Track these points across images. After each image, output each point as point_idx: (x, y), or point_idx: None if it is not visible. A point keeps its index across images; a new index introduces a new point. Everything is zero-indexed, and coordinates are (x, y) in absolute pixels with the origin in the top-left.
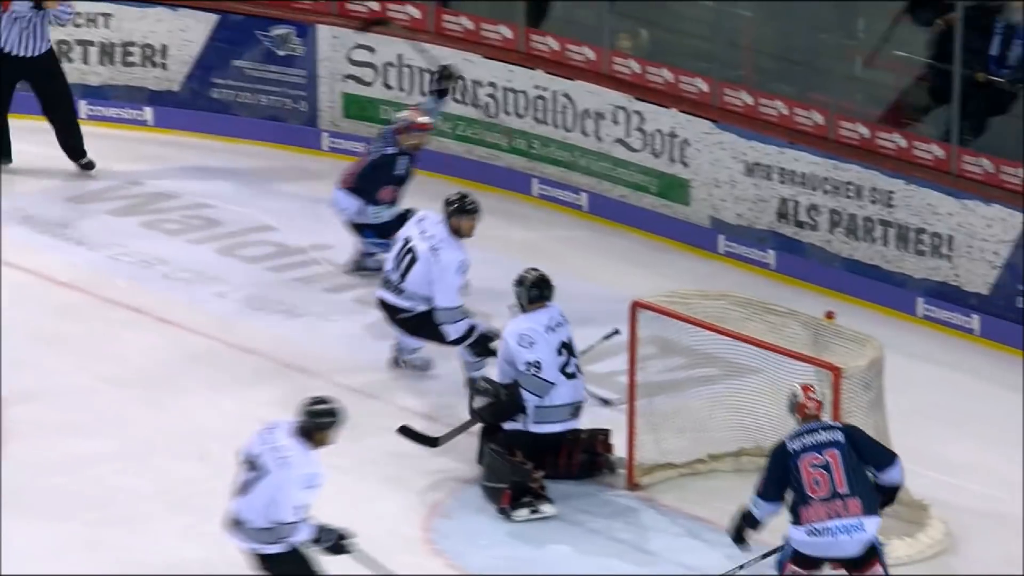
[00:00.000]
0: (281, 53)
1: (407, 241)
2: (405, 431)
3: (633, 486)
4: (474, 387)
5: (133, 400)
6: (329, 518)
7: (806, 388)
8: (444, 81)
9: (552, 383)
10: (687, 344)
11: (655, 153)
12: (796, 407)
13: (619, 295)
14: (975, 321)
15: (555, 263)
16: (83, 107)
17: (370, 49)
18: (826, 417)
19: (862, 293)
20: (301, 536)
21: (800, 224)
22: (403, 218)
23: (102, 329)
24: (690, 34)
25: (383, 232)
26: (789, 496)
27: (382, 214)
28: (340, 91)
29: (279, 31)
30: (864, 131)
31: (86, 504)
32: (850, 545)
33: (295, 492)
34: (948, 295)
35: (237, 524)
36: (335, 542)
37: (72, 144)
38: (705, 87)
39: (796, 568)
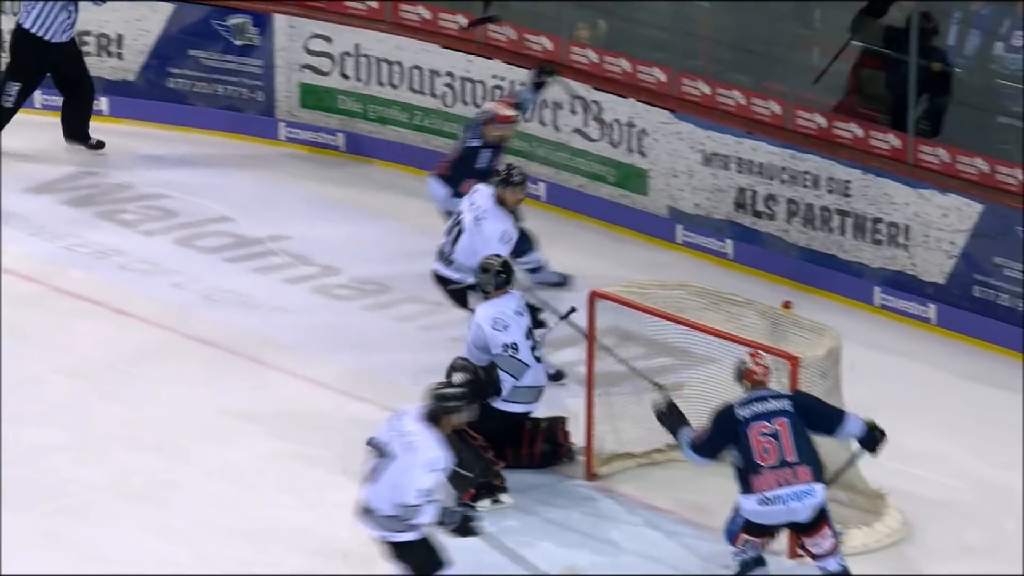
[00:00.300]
0: (238, 43)
1: (459, 213)
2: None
3: (591, 476)
4: (452, 365)
5: (89, 391)
6: (289, 508)
7: (754, 354)
8: (543, 75)
9: (528, 364)
10: (645, 334)
11: (613, 143)
12: (744, 374)
13: (577, 285)
14: (931, 310)
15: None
16: (38, 97)
17: (327, 39)
18: (774, 384)
19: (819, 282)
20: (425, 519)
21: (758, 214)
22: None
23: (58, 320)
24: (648, 24)
25: None
26: (733, 456)
27: None
28: (297, 81)
29: (236, 21)
30: (821, 121)
31: (43, 495)
32: (802, 511)
33: (419, 475)
34: (905, 284)
35: (366, 512)
36: (460, 524)
37: (84, 129)
38: (663, 77)
39: (749, 537)
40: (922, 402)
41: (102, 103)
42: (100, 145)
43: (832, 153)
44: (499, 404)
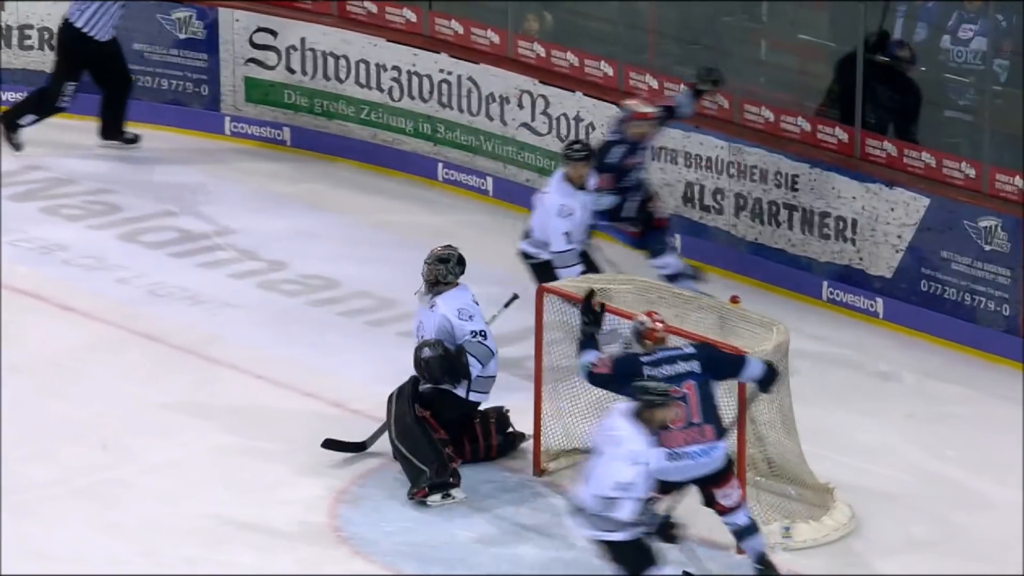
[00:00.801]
0: (182, 36)
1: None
2: (330, 444)
3: (540, 472)
4: (423, 343)
5: (35, 387)
6: (237, 505)
7: (651, 313)
8: (703, 82)
9: (494, 352)
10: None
11: (560, 137)
12: (646, 334)
13: (525, 279)
14: (879, 304)
15: (461, 248)
16: None
17: (272, 33)
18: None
19: (767, 277)
20: (623, 514)
21: (705, 208)
22: (619, 208)
23: (2, 316)
24: (595, 17)
25: (613, 217)
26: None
27: (601, 201)
28: (242, 75)
29: (180, 14)
30: (768, 115)
31: None
32: (710, 464)
33: (618, 467)
34: (852, 278)
35: (578, 511)
36: (659, 528)
37: (120, 127)
38: (610, 71)
39: (658, 494)
40: (869, 396)
41: None
42: (136, 139)
43: (779, 147)
44: (461, 392)
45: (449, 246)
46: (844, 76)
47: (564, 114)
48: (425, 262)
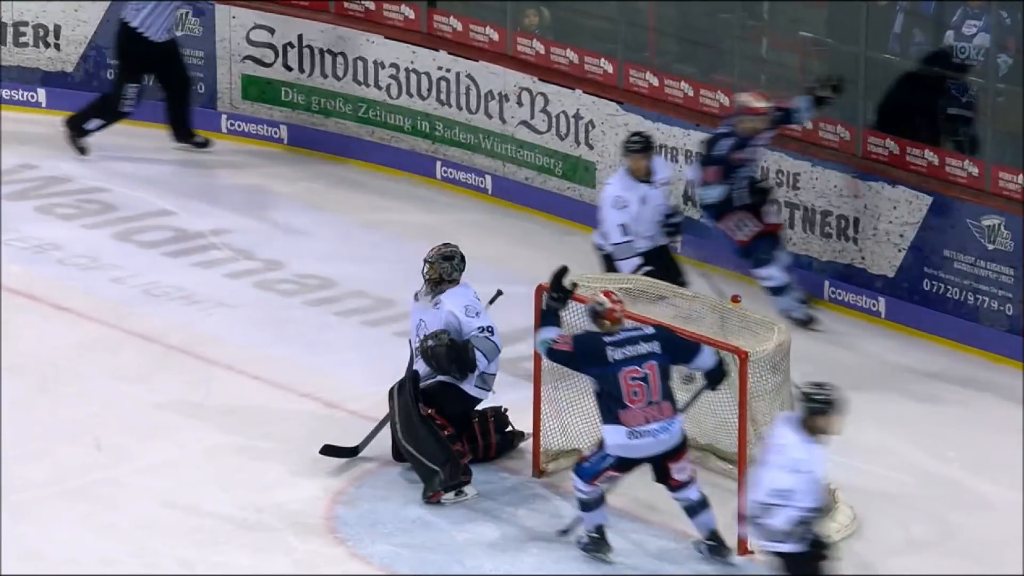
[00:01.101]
0: (179, 33)
1: None
2: (327, 450)
3: (539, 473)
4: (429, 334)
5: (28, 387)
6: (233, 506)
7: (608, 293)
8: (823, 88)
9: (499, 349)
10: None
11: (560, 135)
12: (604, 314)
13: (524, 279)
14: (881, 303)
15: (459, 246)
16: None
17: (269, 30)
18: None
19: None
20: (777, 522)
21: None
22: (728, 200)
23: (1, 316)
24: (595, 15)
25: (723, 209)
26: (593, 383)
27: (707, 194)
28: (239, 72)
29: (176, 11)
30: None
31: None
32: (669, 441)
33: (778, 474)
34: (854, 277)
35: (748, 520)
36: (810, 546)
37: (189, 128)
38: (610, 68)
39: (615, 473)
40: (870, 395)
41: (39, 95)
42: (206, 143)
43: (781, 145)
44: (466, 387)
45: (449, 244)
46: (901, 92)
47: (563, 112)
48: (427, 260)
